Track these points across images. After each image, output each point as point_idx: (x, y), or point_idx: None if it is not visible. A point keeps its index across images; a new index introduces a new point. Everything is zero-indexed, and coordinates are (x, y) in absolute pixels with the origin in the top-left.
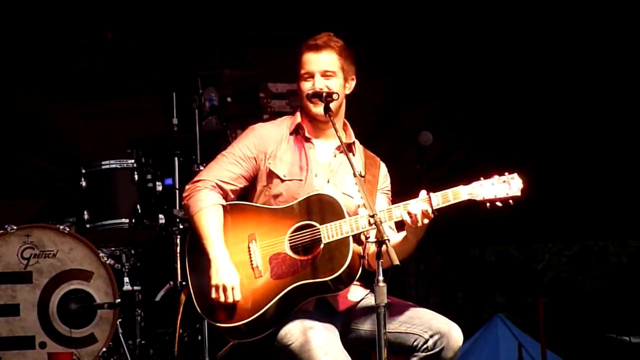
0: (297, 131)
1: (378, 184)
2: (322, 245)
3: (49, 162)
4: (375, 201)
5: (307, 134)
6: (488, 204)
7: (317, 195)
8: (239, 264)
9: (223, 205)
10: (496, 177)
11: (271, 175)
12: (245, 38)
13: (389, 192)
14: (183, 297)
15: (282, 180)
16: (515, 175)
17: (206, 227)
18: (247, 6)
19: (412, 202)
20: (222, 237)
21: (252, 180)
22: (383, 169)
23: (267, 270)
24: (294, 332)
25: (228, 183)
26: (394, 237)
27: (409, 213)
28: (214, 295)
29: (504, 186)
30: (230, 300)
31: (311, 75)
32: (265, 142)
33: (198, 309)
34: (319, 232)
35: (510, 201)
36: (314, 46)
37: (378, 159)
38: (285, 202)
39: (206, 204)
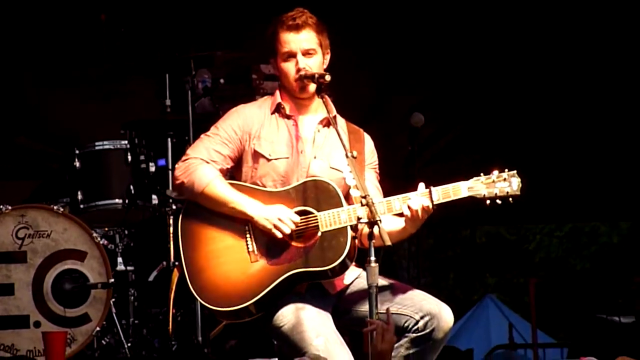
0: (278, 110)
1: (365, 160)
2: (319, 234)
3: (43, 143)
4: (364, 177)
5: (288, 112)
6: (488, 201)
7: (313, 180)
8: (234, 247)
9: None
10: (496, 172)
11: (256, 155)
12: (238, 19)
13: (377, 167)
14: (175, 275)
15: (268, 160)
16: (515, 172)
17: (226, 193)
18: None
19: (412, 195)
20: (246, 196)
21: (237, 162)
22: (369, 142)
23: (263, 255)
24: (286, 314)
25: (217, 163)
26: (391, 224)
27: (409, 207)
28: (277, 235)
29: (504, 184)
30: (292, 225)
31: (292, 55)
32: (249, 122)
33: (191, 288)
34: (317, 219)
35: (510, 199)
36: (294, 26)
37: (362, 130)
38: (273, 182)
39: (212, 176)
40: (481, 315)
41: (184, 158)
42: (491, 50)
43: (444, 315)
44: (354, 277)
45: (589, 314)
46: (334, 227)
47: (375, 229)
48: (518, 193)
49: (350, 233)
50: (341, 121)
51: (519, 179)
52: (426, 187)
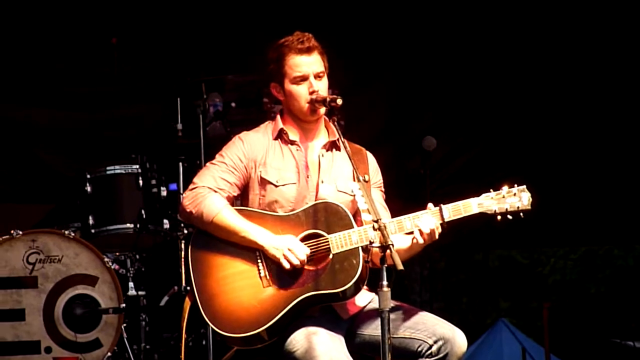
0: (280, 136)
1: (370, 179)
2: (331, 256)
3: (57, 165)
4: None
5: (291, 137)
6: (499, 217)
7: (323, 203)
8: (246, 272)
9: None
10: (505, 188)
11: (264, 182)
12: (249, 43)
13: (382, 186)
14: (187, 303)
15: (276, 186)
16: (524, 187)
17: (236, 222)
18: (251, 12)
19: (423, 214)
20: (255, 225)
21: (243, 189)
22: (372, 162)
23: (275, 279)
24: (298, 338)
25: (225, 191)
26: (399, 242)
27: (420, 230)
28: (286, 265)
29: (514, 199)
30: (302, 257)
31: (305, 78)
32: (254, 150)
33: (204, 316)
34: (327, 242)
35: (521, 214)
36: (305, 49)
37: (364, 150)
38: (282, 208)
39: (221, 205)
40: (494, 340)
41: (191, 187)
42: (506, 70)
43: (458, 340)
44: (367, 302)
45: (603, 338)
46: (346, 249)
47: (387, 253)
48: (529, 207)
49: (361, 254)
50: (344, 142)
51: (529, 194)
52: (436, 206)
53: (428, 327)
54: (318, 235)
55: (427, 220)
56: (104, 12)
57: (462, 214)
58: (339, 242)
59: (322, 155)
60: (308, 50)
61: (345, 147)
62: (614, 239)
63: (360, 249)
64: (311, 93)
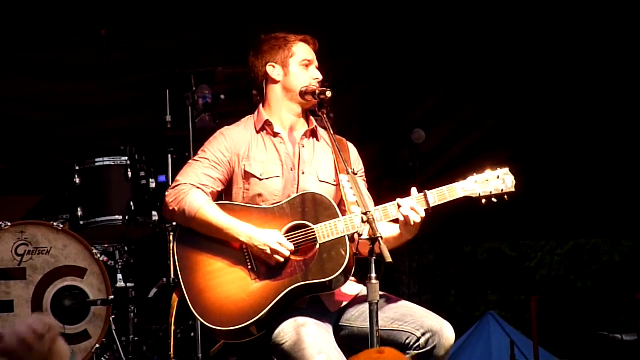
0: (264, 128)
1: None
2: (318, 246)
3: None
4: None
5: (275, 129)
6: (484, 200)
7: (308, 194)
8: (234, 266)
9: None
10: (488, 171)
11: (248, 176)
12: (239, 35)
13: (364, 175)
14: (175, 299)
15: (260, 180)
16: (507, 169)
17: (217, 218)
18: (242, 4)
19: (408, 199)
20: (237, 219)
21: (228, 184)
22: (353, 151)
23: (263, 272)
24: (287, 330)
25: (208, 187)
26: (388, 231)
27: (403, 214)
28: (271, 262)
29: (498, 182)
30: (287, 253)
31: (311, 64)
32: (236, 144)
33: (193, 311)
34: (314, 232)
35: (506, 196)
36: (312, 42)
37: (344, 140)
38: (265, 202)
39: (202, 202)
40: (482, 333)
41: (173, 185)
42: (497, 63)
43: (446, 332)
44: (355, 293)
45: (591, 331)
46: (332, 238)
47: (376, 245)
48: (513, 190)
49: (348, 242)
50: (323, 132)
51: (512, 176)
52: (420, 192)
53: (416, 319)
54: (304, 226)
55: (413, 205)
56: (93, 3)
57: (447, 198)
58: (325, 231)
59: (303, 146)
60: (313, 45)
61: (333, 142)
62: (601, 232)
63: (347, 237)
64: (313, 81)
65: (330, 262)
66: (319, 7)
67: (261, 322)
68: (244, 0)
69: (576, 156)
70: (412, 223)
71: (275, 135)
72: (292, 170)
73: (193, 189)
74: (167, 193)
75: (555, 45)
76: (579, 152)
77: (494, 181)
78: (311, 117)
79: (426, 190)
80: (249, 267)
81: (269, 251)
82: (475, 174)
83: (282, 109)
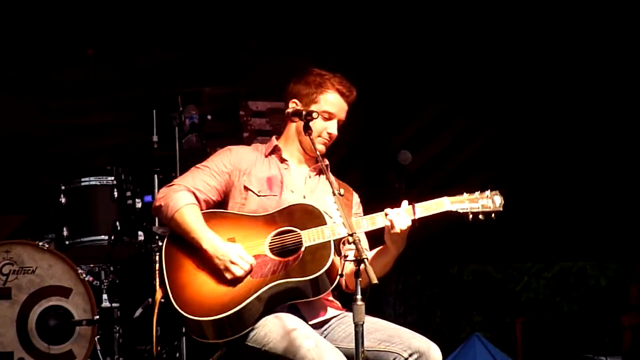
0: (273, 152)
1: (352, 209)
2: (303, 248)
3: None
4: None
5: (283, 155)
6: (471, 216)
7: (298, 204)
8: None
9: (202, 213)
10: (478, 192)
11: (246, 191)
12: (226, 56)
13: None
14: (159, 294)
15: (257, 196)
16: (497, 192)
17: (191, 221)
18: (229, 25)
19: (396, 209)
20: (208, 228)
21: (225, 197)
22: (355, 196)
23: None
24: (273, 329)
25: (202, 192)
26: (370, 254)
27: (390, 220)
28: (228, 276)
29: (487, 201)
30: (247, 267)
31: (331, 118)
32: (240, 159)
33: (174, 304)
34: (300, 236)
35: (493, 215)
36: (347, 95)
37: (350, 187)
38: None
39: (185, 202)
40: (468, 354)
41: (169, 184)
42: (482, 84)
43: (433, 353)
44: (335, 314)
45: (575, 353)
46: (318, 242)
47: (362, 267)
48: (500, 209)
49: (333, 247)
50: (330, 175)
51: (501, 197)
52: (409, 204)
53: (403, 340)
54: (292, 232)
55: (399, 214)
56: (80, 22)
57: (435, 210)
58: (311, 236)
59: (309, 177)
60: (348, 98)
61: (325, 171)
62: (586, 255)
63: (332, 242)
64: (329, 135)
65: (313, 263)
66: (303, 28)
67: (241, 314)
68: (232, 21)
69: (562, 179)
70: (398, 230)
71: (283, 161)
72: (292, 192)
73: (184, 190)
74: (160, 190)
75: (537, 71)
76: (565, 175)
77: (482, 199)
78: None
79: (415, 203)
80: None
81: (228, 262)
82: (465, 193)
83: (294, 146)
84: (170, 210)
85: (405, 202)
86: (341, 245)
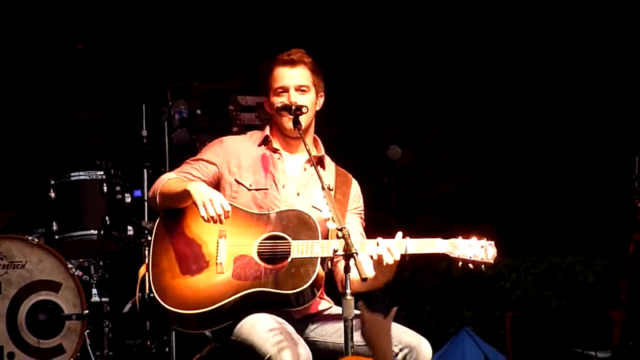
0: (265, 142)
1: (348, 204)
2: (289, 260)
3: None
4: (345, 221)
5: (274, 145)
6: (460, 263)
7: (296, 211)
8: (203, 256)
9: None
10: (474, 239)
11: (237, 184)
12: (215, 51)
13: (362, 213)
14: (143, 269)
15: (248, 190)
16: (492, 243)
17: (176, 181)
18: (218, 18)
19: (388, 240)
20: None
21: (215, 189)
22: (355, 188)
23: (229, 268)
24: (243, 324)
25: (190, 175)
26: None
27: (377, 253)
28: (203, 213)
29: (480, 251)
30: (220, 211)
31: (285, 90)
32: (231, 151)
33: (152, 286)
34: (290, 246)
35: (483, 266)
36: (289, 61)
37: (350, 176)
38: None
39: (170, 176)
40: (457, 348)
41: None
42: (474, 81)
43: (423, 348)
44: (324, 308)
45: (565, 348)
46: (305, 256)
47: (352, 262)
48: (491, 262)
49: (319, 266)
50: (330, 163)
51: (495, 250)
52: (404, 237)
53: (394, 335)
54: (283, 239)
55: (390, 249)
56: (69, 18)
57: (426, 250)
58: (300, 248)
59: (304, 170)
60: (292, 63)
61: (314, 163)
62: (574, 251)
63: (319, 259)
64: (280, 102)
65: (295, 278)
66: (295, 24)
67: (212, 315)
68: (220, 16)
69: (550, 175)
70: (385, 264)
71: (275, 151)
72: (284, 187)
73: (171, 173)
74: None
75: (524, 68)
76: (553, 172)
77: (476, 249)
78: (320, 145)
79: (407, 238)
80: (218, 260)
81: (207, 199)
82: (460, 237)
83: (280, 132)
84: (157, 187)
85: (399, 234)
86: (327, 263)
